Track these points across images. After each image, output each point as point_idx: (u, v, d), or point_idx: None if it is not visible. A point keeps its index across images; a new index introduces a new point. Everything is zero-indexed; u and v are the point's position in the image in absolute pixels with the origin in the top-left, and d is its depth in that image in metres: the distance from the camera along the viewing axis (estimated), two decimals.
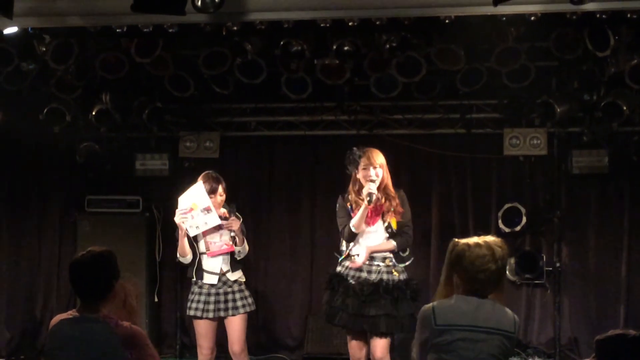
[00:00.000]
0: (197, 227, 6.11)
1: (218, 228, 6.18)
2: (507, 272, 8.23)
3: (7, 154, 8.60)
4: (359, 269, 5.91)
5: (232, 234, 6.18)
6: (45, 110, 7.86)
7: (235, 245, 6.20)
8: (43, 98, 7.86)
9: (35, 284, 8.76)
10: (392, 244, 5.87)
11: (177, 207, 6.15)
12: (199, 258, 6.25)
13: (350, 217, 5.92)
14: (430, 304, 3.82)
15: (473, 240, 3.80)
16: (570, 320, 8.23)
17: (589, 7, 5.41)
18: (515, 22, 6.50)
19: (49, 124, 7.96)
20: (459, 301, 3.76)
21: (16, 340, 8.62)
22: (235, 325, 6.27)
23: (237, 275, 6.29)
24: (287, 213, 8.58)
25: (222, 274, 6.23)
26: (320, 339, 8.16)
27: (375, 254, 5.90)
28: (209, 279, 6.23)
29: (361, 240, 5.96)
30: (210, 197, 6.11)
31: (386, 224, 5.91)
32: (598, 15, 6.06)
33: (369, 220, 5.90)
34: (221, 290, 6.22)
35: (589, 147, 7.99)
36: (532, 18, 6.10)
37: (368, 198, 5.75)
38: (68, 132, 8.18)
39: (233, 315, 6.24)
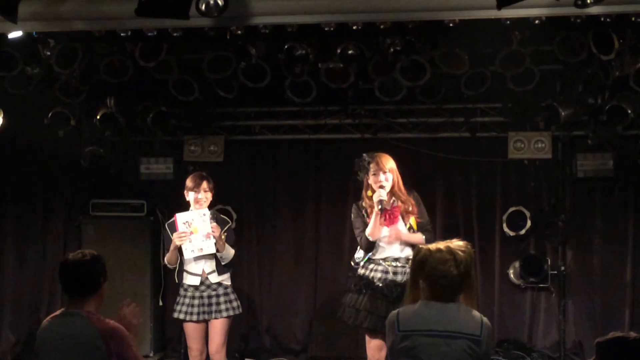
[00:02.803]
0: (192, 250, 6.26)
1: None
2: (512, 275, 8.25)
3: (12, 158, 8.62)
4: (385, 271, 5.91)
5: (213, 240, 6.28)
6: (50, 114, 7.88)
7: (217, 251, 6.28)
8: (48, 102, 7.87)
9: (40, 288, 8.77)
10: (421, 236, 5.88)
11: (174, 219, 6.25)
12: (180, 261, 6.37)
13: (366, 225, 5.94)
14: (396, 310, 3.90)
15: (436, 245, 3.87)
16: (575, 323, 8.22)
17: (594, 10, 5.39)
18: (519, 25, 6.47)
19: (53, 128, 7.97)
20: (422, 306, 3.81)
21: (21, 344, 8.63)
22: (216, 328, 6.37)
23: (221, 278, 6.37)
24: (292, 217, 8.58)
25: (204, 277, 6.32)
26: (324, 343, 8.15)
27: (399, 256, 5.92)
28: (192, 280, 6.35)
29: (383, 244, 5.98)
30: (195, 192, 6.31)
31: (408, 225, 5.95)
32: (602, 19, 6.04)
33: (387, 223, 5.89)
34: (205, 294, 6.33)
35: (594, 150, 7.97)
36: (537, 22, 6.08)
37: (379, 205, 5.79)
38: (72, 136, 8.19)
39: (216, 318, 6.34)
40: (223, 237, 6.30)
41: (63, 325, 4.13)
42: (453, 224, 8.37)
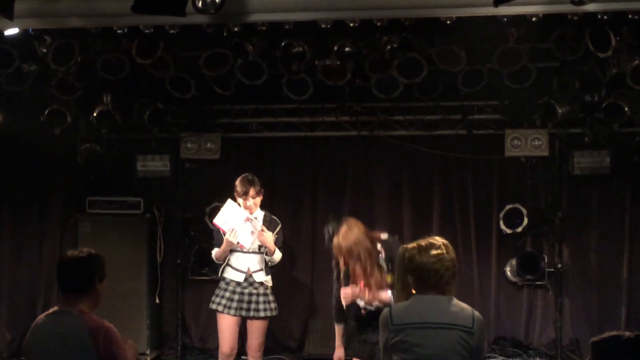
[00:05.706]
0: (246, 239, 6.38)
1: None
2: (509, 273, 8.26)
3: (8, 155, 8.60)
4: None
5: (258, 243, 6.43)
6: (46, 112, 7.86)
7: (266, 254, 6.44)
8: (44, 99, 7.86)
9: (36, 285, 8.76)
10: (388, 296, 5.40)
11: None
12: (227, 256, 6.48)
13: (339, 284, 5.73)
14: (389, 308, 3.97)
15: (424, 242, 3.91)
16: (571, 321, 8.23)
17: (590, 7, 5.40)
18: (516, 23, 6.49)
19: (50, 125, 7.95)
20: (414, 301, 3.88)
21: (17, 341, 8.60)
22: (255, 329, 6.52)
23: (265, 278, 6.50)
24: (288, 214, 8.54)
25: (249, 274, 6.44)
26: (320, 341, 8.14)
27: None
28: (235, 276, 6.45)
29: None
30: (243, 199, 6.41)
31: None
32: (599, 16, 6.06)
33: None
34: (246, 291, 6.45)
35: (591, 148, 7.98)
36: (533, 19, 6.09)
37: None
38: (69, 133, 8.18)
39: (254, 317, 6.45)
40: (274, 238, 6.45)
41: (54, 324, 4.11)
42: (449, 221, 8.38)
